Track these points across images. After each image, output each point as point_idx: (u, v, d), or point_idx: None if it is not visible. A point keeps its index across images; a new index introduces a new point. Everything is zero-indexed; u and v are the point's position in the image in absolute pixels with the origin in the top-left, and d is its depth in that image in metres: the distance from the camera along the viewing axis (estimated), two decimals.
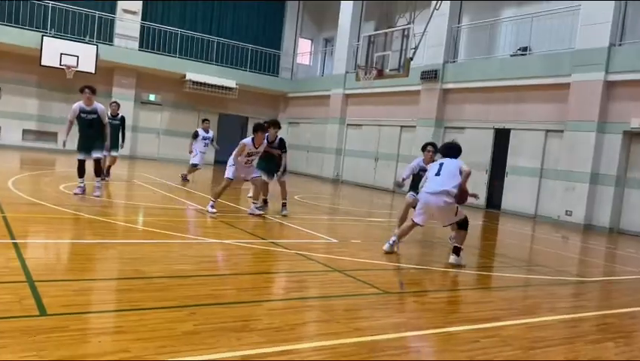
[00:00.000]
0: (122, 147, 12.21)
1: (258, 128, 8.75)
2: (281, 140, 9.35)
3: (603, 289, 6.36)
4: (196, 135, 13.88)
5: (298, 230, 8.18)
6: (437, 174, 6.56)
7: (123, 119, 12.10)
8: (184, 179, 13.63)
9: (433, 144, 8.36)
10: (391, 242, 6.71)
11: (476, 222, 12.48)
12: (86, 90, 9.38)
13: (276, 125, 9.25)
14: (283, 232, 7.99)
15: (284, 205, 9.30)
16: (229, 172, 8.83)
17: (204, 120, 14.70)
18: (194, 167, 13.67)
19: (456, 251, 6.45)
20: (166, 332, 3.27)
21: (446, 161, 6.65)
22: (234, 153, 8.78)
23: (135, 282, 4.42)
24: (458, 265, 6.35)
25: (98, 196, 9.04)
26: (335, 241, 7.48)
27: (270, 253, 6.28)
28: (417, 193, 7.45)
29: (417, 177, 8.10)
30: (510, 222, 12.86)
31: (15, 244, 5.23)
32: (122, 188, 11.74)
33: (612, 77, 12.40)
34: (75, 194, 8.98)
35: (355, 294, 4.83)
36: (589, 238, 11.17)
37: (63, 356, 2.77)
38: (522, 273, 6.77)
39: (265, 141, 8.94)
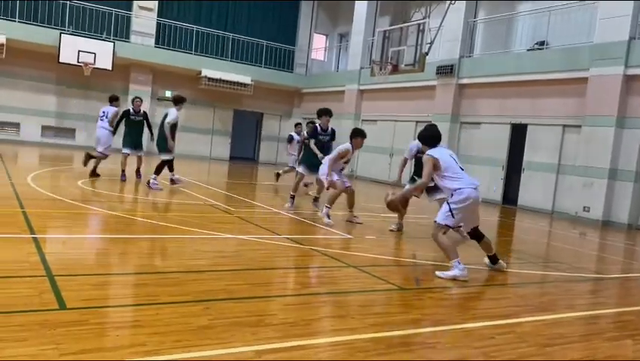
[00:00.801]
0: (153, 140, 11.21)
1: (357, 134, 8.56)
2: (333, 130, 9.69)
3: (621, 287, 6.28)
4: (291, 139, 13.97)
5: (313, 226, 8.19)
6: (461, 168, 5.75)
7: (145, 114, 11.67)
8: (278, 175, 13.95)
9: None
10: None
11: (492, 218, 12.38)
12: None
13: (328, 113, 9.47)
14: (297, 228, 8.00)
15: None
16: (332, 177, 8.57)
17: (296, 124, 14.55)
18: (292, 169, 13.19)
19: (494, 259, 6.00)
20: (181, 326, 3.30)
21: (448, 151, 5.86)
22: (332, 157, 8.53)
23: (152, 277, 4.47)
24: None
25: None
26: (350, 236, 7.47)
27: (285, 248, 6.30)
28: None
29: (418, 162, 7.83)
30: (527, 218, 12.74)
31: (35, 239, 5.31)
32: (139, 184, 11.84)
33: (632, 71, 12.18)
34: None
35: (370, 290, 4.83)
36: (608, 234, 11.03)
37: (82, 349, 2.81)
38: (538, 269, 6.71)
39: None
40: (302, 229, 8.00)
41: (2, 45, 17.92)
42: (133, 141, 11.38)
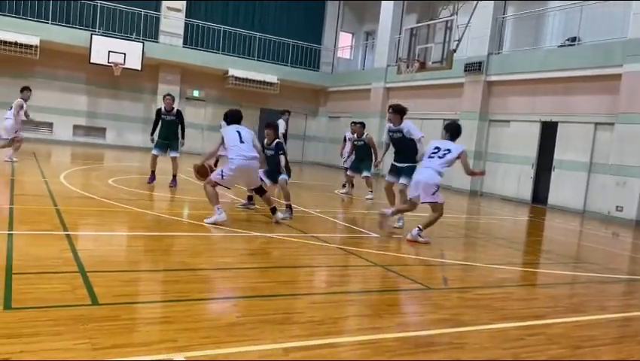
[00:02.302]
0: (182, 144, 10.64)
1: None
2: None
3: None
4: (345, 139, 13.47)
5: (339, 224, 8.19)
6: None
7: (179, 113, 10.51)
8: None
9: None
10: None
11: (521, 217, 12.20)
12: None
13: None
14: (324, 226, 8.01)
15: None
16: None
17: (352, 123, 12.88)
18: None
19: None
20: (210, 322, 3.35)
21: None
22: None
23: (181, 274, 4.53)
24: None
25: None
26: (376, 235, 7.45)
27: (311, 246, 6.31)
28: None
29: None
30: (557, 217, 12.50)
31: (67, 236, 5.44)
32: (167, 182, 11.99)
33: None
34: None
35: (397, 289, 4.81)
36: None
37: (114, 344, 2.88)
38: (569, 270, 6.59)
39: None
40: (328, 227, 8.00)
41: (36, 47, 18.39)
42: (163, 141, 10.40)
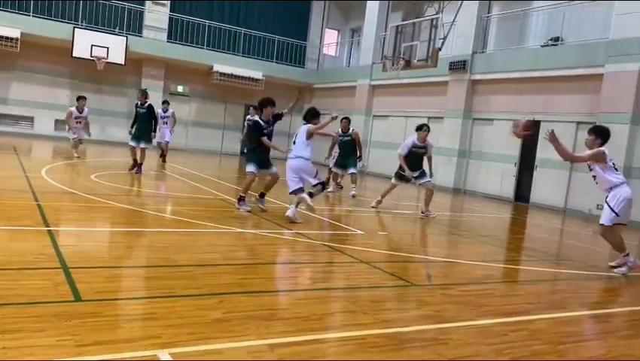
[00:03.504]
0: (154, 137, 12.15)
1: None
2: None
3: (636, 285, 6.23)
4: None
5: (324, 221, 8.20)
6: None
7: (150, 107, 11.73)
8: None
9: (428, 125, 10.18)
10: None
11: (504, 215, 12.33)
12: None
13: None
14: (309, 224, 8.01)
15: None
16: None
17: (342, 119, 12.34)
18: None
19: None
20: (195, 319, 3.33)
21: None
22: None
23: (165, 270, 4.50)
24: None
25: None
26: (361, 232, 7.47)
27: (296, 243, 6.31)
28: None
29: (412, 155, 9.73)
30: (539, 215, 12.66)
31: (49, 232, 5.37)
32: (152, 178, 11.92)
33: None
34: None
35: (381, 286, 4.83)
36: (622, 233, 10.89)
37: (97, 340, 2.85)
38: (551, 267, 6.68)
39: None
40: (313, 224, 8.01)
41: (17, 39, 18.07)
42: (136, 133, 11.60)
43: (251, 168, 8.13)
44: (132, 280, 4.32)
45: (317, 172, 7.66)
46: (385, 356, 3.10)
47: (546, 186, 14.35)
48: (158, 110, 14.05)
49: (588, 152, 6.47)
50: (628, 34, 12.29)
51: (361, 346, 3.22)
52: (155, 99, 21.62)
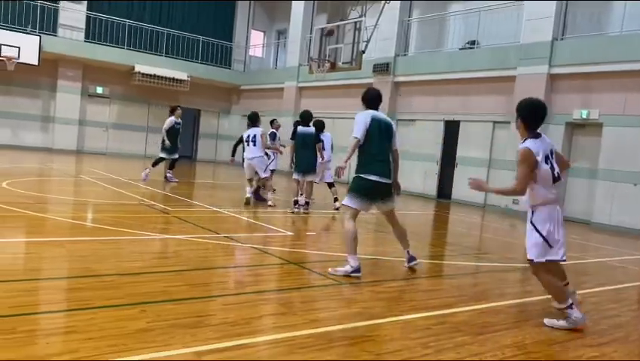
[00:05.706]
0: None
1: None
2: None
3: None
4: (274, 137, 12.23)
5: (253, 224, 8.14)
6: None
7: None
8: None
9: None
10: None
11: (428, 212, 12.75)
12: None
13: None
14: (237, 226, 7.93)
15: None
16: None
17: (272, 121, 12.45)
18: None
19: None
20: (117, 330, 3.20)
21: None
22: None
23: (85, 280, 4.30)
24: None
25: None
26: (290, 233, 7.48)
27: (224, 247, 6.23)
28: None
29: None
30: (460, 211, 13.20)
31: None
32: (69, 184, 11.34)
33: (555, 70, 12.88)
34: None
35: (311, 286, 4.86)
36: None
37: (11, 359, 2.67)
38: (472, 261, 6.98)
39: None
40: (242, 227, 7.93)
41: None
42: None
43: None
44: (49, 293, 4.09)
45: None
46: (313, 356, 3.12)
47: (466, 183, 14.90)
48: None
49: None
50: (536, 39, 13.09)
51: (290, 347, 3.23)
52: (73, 101, 20.72)
